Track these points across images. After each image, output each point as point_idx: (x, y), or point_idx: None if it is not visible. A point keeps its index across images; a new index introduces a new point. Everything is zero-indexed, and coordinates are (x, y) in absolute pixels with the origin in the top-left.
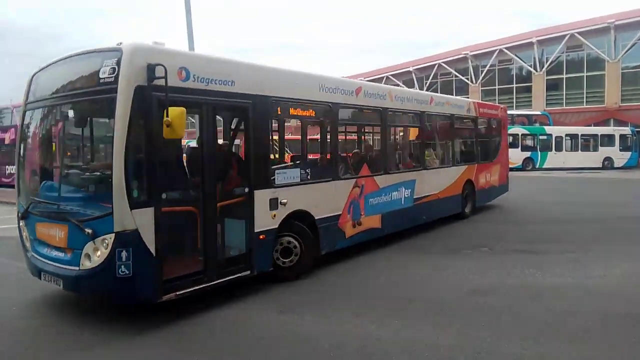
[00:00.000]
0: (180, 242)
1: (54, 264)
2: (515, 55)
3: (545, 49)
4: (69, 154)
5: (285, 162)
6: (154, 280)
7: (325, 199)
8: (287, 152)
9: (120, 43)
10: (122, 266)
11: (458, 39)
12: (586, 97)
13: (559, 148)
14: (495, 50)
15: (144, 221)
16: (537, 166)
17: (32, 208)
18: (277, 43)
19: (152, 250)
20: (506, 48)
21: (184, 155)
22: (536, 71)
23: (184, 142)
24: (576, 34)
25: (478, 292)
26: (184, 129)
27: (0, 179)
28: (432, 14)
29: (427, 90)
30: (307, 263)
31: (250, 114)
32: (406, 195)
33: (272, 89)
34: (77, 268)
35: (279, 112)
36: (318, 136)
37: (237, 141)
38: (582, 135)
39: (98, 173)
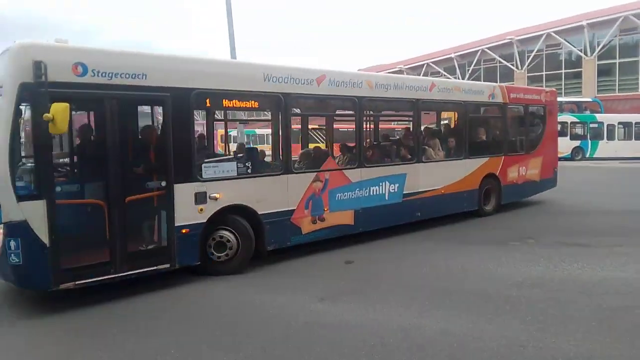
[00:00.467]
0: (84, 233)
1: None
2: (564, 40)
3: (596, 32)
4: None
5: (225, 156)
6: (47, 269)
7: (273, 194)
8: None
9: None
10: (12, 255)
11: (502, 23)
12: None
13: (610, 137)
14: (543, 34)
15: (33, 213)
16: (587, 156)
17: None
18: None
19: (45, 240)
20: (554, 32)
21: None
22: (586, 56)
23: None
24: (630, 17)
25: (524, 284)
26: (66, 124)
27: None
28: None
29: (469, 78)
30: (246, 258)
31: (169, 107)
32: (392, 191)
33: (198, 81)
34: None
35: (209, 105)
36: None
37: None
38: (636, 123)
39: None
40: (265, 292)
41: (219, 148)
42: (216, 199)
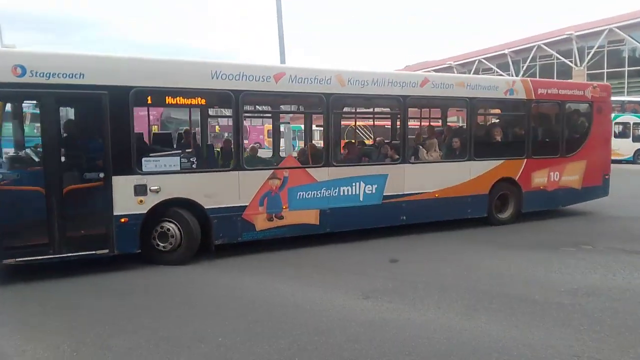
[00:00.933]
0: (25, 217)
1: None
2: (628, 36)
3: None
4: None
5: (172, 151)
6: None
7: (221, 189)
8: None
9: None
10: None
11: (561, 17)
12: None
13: None
14: (604, 29)
15: None
16: None
17: None
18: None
19: None
20: (617, 27)
21: None
22: None
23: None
24: None
25: (579, 292)
26: None
27: None
28: None
29: (523, 74)
30: (189, 250)
31: (107, 103)
32: (368, 192)
33: (137, 79)
34: None
35: (150, 101)
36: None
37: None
38: None
39: None
40: (302, 286)
41: (265, 143)
42: (157, 191)
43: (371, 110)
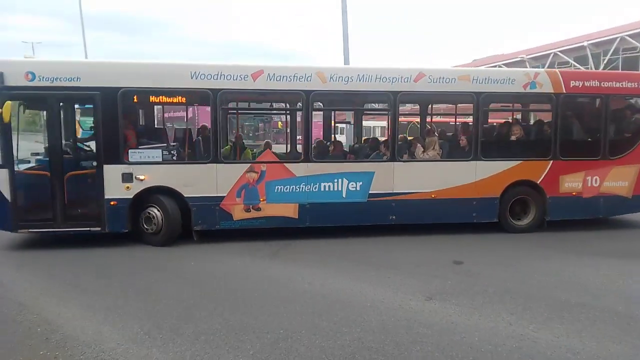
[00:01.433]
0: (36, 195)
1: None
2: None
3: None
4: None
5: (158, 144)
6: (9, 218)
7: (200, 180)
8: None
9: None
10: None
11: None
12: None
13: None
14: None
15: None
16: None
17: None
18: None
19: (8, 197)
20: None
21: None
22: None
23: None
24: None
25: None
26: (8, 116)
27: None
28: None
29: (604, 68)
30: (171, 233)
31: (99, 102)
32: (352, 189)
33: (125, 81)
34: None
35: (136, 100)
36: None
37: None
38: None
39: None
40: (367, 284)
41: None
42: (141, 179)
43: (360, 107)
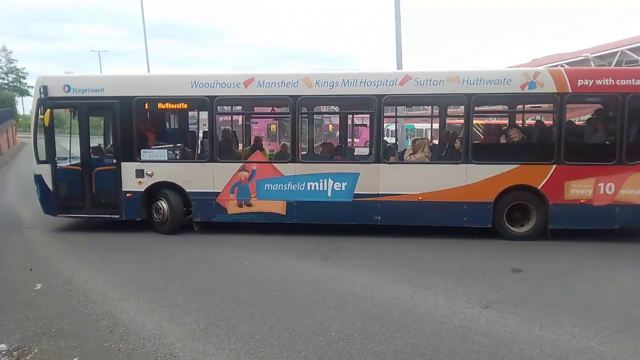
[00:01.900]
0: (72, 186)
1: None
2: None
3: None
4: None
5: (165, 145)
6: (52, 204)
7: (198, 176)
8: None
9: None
10: (38, 193)
11: None
12: None
13: None
14: None
15: (44, 171)
16: None
17: None
18: None
19: (51, 187)
20: None
21: None
22: None
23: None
24: None
25: None
26: (47, 122)
27: None
28: None
29: None
30: (176, 223)
31: (118, 109)
32: (337, 189)
33: (137, 90)
34: None
35: (147, 107)
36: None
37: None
38: None
39: None
40: (421, 289)
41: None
42: (151, 175)
43: (346, 110)
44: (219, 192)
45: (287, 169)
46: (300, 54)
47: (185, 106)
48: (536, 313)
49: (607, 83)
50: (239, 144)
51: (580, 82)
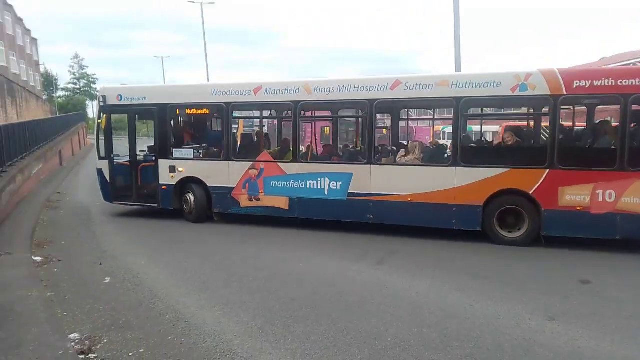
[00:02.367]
0: (125, 179)
1: None
2: None
3: None
4: None
5: (193, 145)
6: (109, 193)
7: (217, 173)
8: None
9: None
10: (99, 183)
11: None
12: None
13: None
14: None
15: (104, 165)
16: None
17: None
18: None
19: (108, 179)
20: None
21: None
22: None
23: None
24: None
25: None
26: (104, 125)
27: None
28: None
29: None
30: (200, 213)
31: (157, 115)
32: (333, 187)
33: (171, 98)
34: None
35: (178, 113)
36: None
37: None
38: None
39: None
40: (481, 298)
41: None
42: (181, 171)
43: (343, 114)
44: (233, 187)
45: (290, 168)
46: (355, 55)
47: (207, 111)
48: (607, 327)
49: (606, 84)
50: (269, 145)
51: (577, 83)
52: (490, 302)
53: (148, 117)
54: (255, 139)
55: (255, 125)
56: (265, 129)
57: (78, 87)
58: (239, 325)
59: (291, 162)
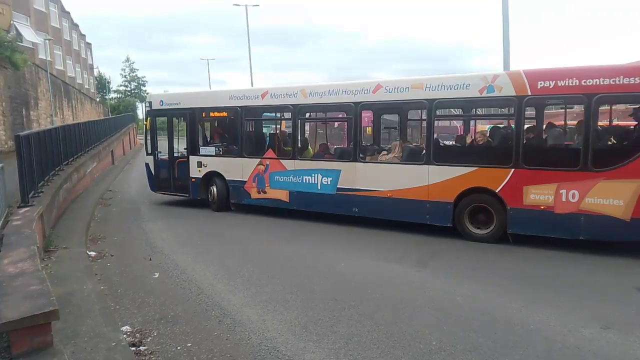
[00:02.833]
0: (165, 172)
1: None
2: None
3: None
4: None
5: (216, 143)
6: (153, 184)
7: (233, 168)
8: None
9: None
10: (147, 175)
11: None
12: None
13: None
14: None
15: (150, 160)
16: None
17: None
18: None
19: (153, 171)
20: None
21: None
22: None
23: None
24: None
25: None
26: (149, 126)
27: None
28: None
29: None
30: (221, 203)
31: (188, 117)
32: (324, 183)
33: (198, 103)
34: None
35: (204, 116)
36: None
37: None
38: None
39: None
40: (530, 303)
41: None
42: (206, 166)
43: (334, 116)
44: (246, 181)
45: (289, 164)
46: (398, 53)
47: (226, 114)
48: None
49: (570, 84)
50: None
51: (541, 84)
52: (540, 308)
53: (182, 119)
54: (267, 138)
55: (277, 127)
56: (289, 130)
57: (129, 89)
58: (282, 324)
59: (290, 159)
